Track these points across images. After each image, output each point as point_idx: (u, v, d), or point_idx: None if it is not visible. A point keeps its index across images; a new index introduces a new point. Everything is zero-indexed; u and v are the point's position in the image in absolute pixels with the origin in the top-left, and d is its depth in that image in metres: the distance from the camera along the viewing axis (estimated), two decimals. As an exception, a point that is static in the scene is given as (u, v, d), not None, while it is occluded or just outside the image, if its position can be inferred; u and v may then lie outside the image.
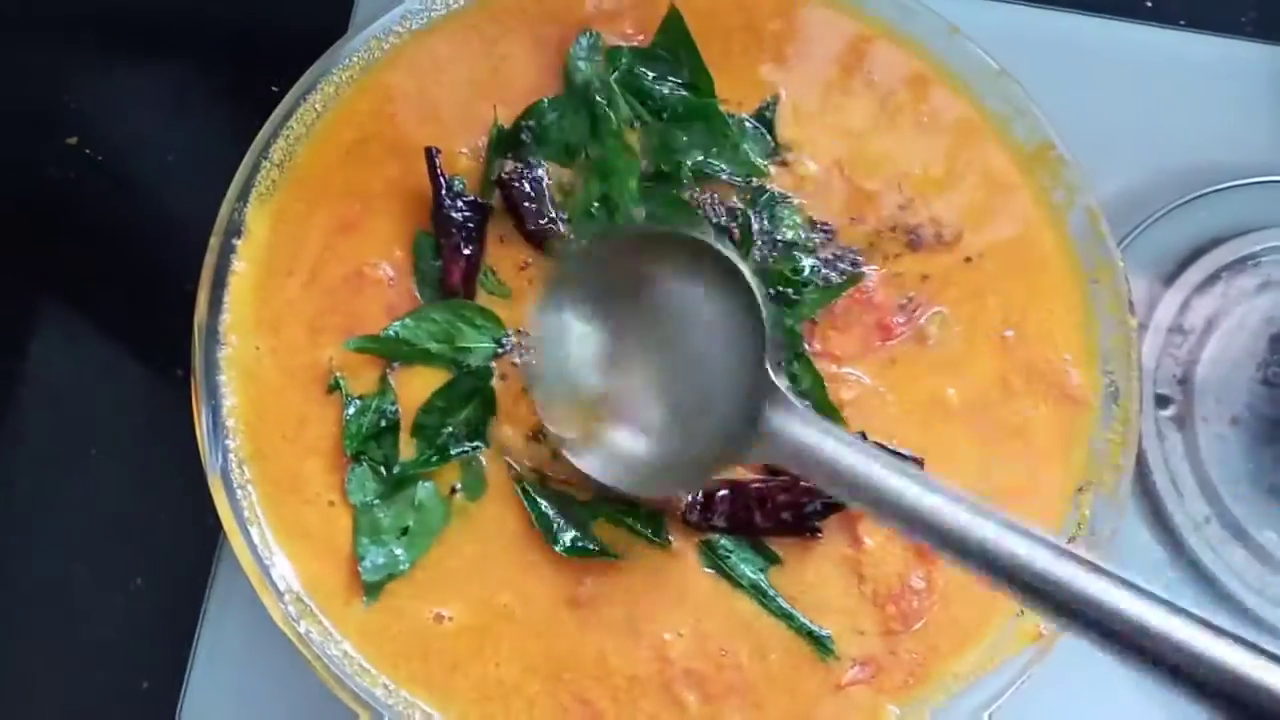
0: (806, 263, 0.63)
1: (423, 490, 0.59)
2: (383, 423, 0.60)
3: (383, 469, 0.59)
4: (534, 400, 0.59)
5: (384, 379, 0.61)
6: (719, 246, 0.52)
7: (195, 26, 0.84)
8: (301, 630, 0.56)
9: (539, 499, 0.59)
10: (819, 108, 0.67)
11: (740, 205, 0.64)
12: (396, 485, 0.59)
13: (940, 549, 0.43)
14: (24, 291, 0.79)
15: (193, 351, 0.60)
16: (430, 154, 0.62)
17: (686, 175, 0.64)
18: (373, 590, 0.58)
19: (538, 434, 0.60)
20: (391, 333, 0.61)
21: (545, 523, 0.58)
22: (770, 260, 0.63)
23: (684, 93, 0.65)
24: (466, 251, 0.62)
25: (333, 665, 0.56)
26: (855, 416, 0.61)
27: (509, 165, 0.63)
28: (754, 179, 0.65)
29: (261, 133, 0.63)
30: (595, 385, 0.56)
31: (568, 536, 0.58)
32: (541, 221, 0.63)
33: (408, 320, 0.61)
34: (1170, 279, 0.77)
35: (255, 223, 0.62)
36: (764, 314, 0.50)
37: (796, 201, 0.65)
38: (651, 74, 0.66)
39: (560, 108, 0.64)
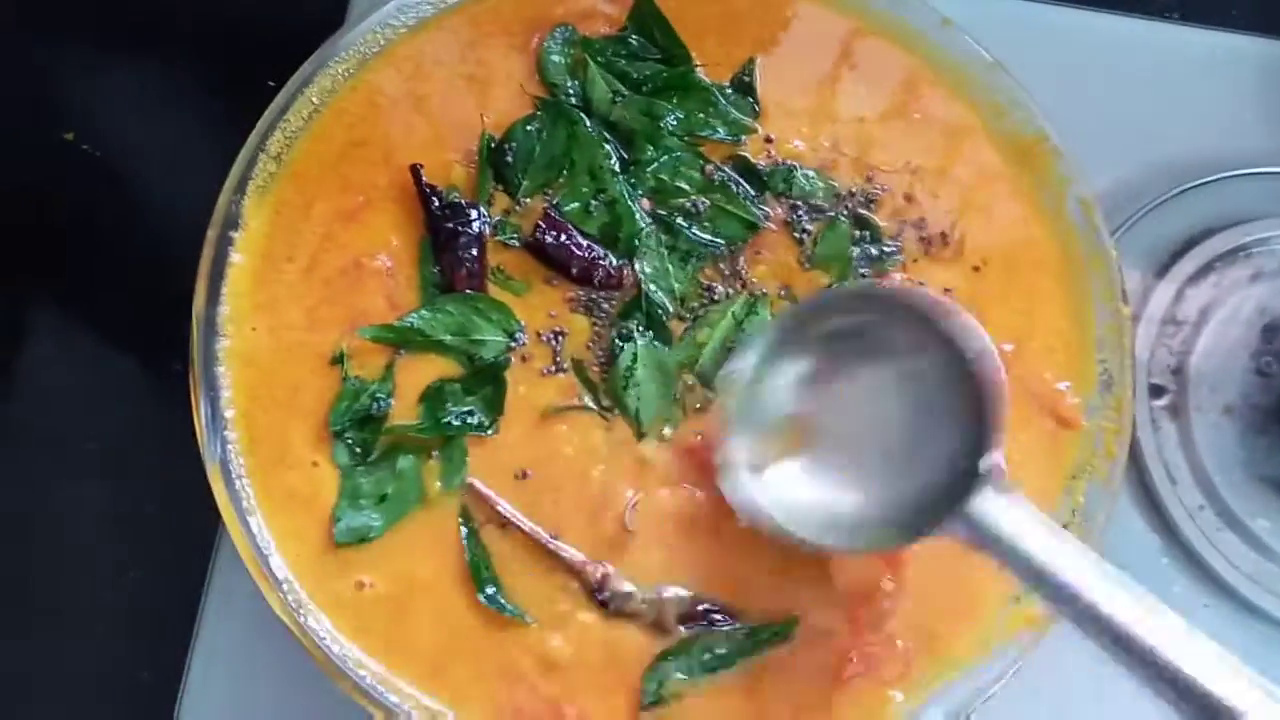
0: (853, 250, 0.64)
1: (404, 460, 0.59)
2: (374, 409, 0.60)
3: (359, 451, 0.59)
4: (721, 435, 0.57)
5: (389, 366, 0.61)
6: (954, 315, 0.51)
7: (191, 21, 0.85)
8: (302, 620, 0.56)
9: (478, 547, 0.59)
10: (806, 100, 0.67)
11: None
12: (384, 452, 0.59)
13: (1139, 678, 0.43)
14: (20, 286, 0.79)
15: (191, 343, 0.60)
16: (415, 171, 0.63)
17: (675, 145, 0.65)
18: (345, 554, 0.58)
19: (522, 475, 0.60)
20: (407, 323, 0.61)
21: (476, 570, 0.58)
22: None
23: (662, 67, 0.66)
24: (468, 260, 0.62)
25: (332, 656, 0.56)
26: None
27: (538, 224, 0.63)
28: (744, 137, 0.65)
29: (258, 125, 0.63)
30: (793, 419, 0.55)
31: (490, 590, 0.58)
32: (583, 257, 0.63)
33: (423, 311, 0.61)
34: (1163, 270, 0.78)
35: (252, 215, 0.62)
36: (991, 395, 0.48)
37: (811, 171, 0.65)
38: (627, 56, 0.66)
39: (537, 123, 0.64)
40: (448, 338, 0.61)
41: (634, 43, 0.67)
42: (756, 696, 0.58)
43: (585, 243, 0.63)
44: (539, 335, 0.62)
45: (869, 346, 0.54)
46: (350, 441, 0.60)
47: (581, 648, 0.58)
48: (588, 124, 0.65)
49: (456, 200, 0.63)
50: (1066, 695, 0.69)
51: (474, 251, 0.62)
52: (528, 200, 0.64)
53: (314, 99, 0.64)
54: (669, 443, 0.61)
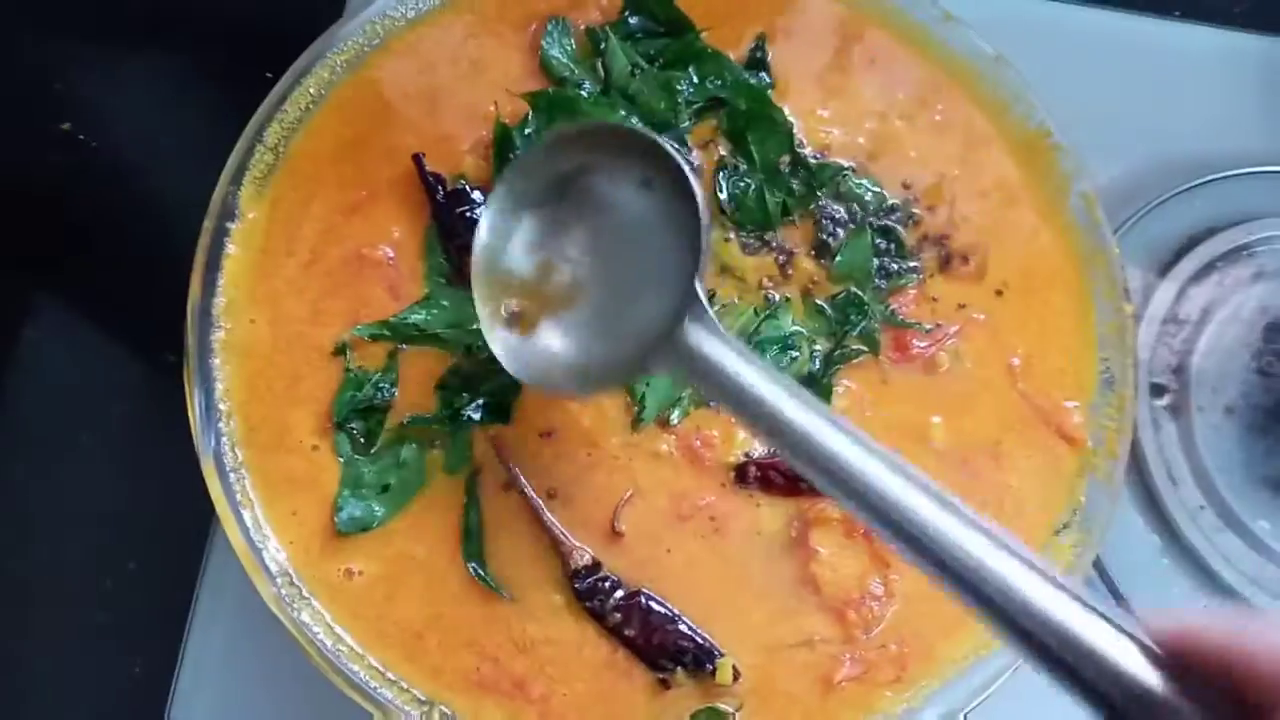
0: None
1: (408, 450, 0.59)
2: (376, 399, 0.60)
3: (362, 441, 0.60)
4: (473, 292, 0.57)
5: (392, 356, 0.61)
6: (666, 146, 0.51)
7: (190, 12, 0.84)
8: (295, 614, 0.56)
9: (478, 509, 0.59)
10: (810, 97, 0.67)
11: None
12: (387, 442, 0.60)
13: (832, 493, 0.42)
14: (16, 277, 0.79)
15: (186, 334, 0.59)
16: (418, 160, 0.63)
17: (687, 116, 0.65)
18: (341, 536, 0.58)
19: (548, 433, 0.60)
20: (403, 318, 0.61)
21: (468, 535, 0.59)
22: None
23: (667, 40, 0.66)
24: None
25: (325, 650, 0.56)
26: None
27: None
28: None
29: (255, 116, 0.62)
30: (530, 275, 0.55)
31: (476, 561, 0.58)
32: None
33: (417, 306, 0.61)
34: (1165, 269, 0.77)
35: (250, 206, 0.62)
36: (702, 224, 0.48)
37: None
38: (631, 37, 0.66)
39: (534, 122, 0.64)
40: (444, 331, 0.61)
41: (633, 23, 0.67)
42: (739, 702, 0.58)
43: None
44: None
45: (591, 190, 0.54)
46: (354, 431, 0.60)
47: (552, 634, 0.58)
48: (594, 94, 0.65)
49: (461, 187, 0.63)
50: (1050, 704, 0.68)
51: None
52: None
53: (312, 90, 0.64)
54: (675, 431, 0.61)
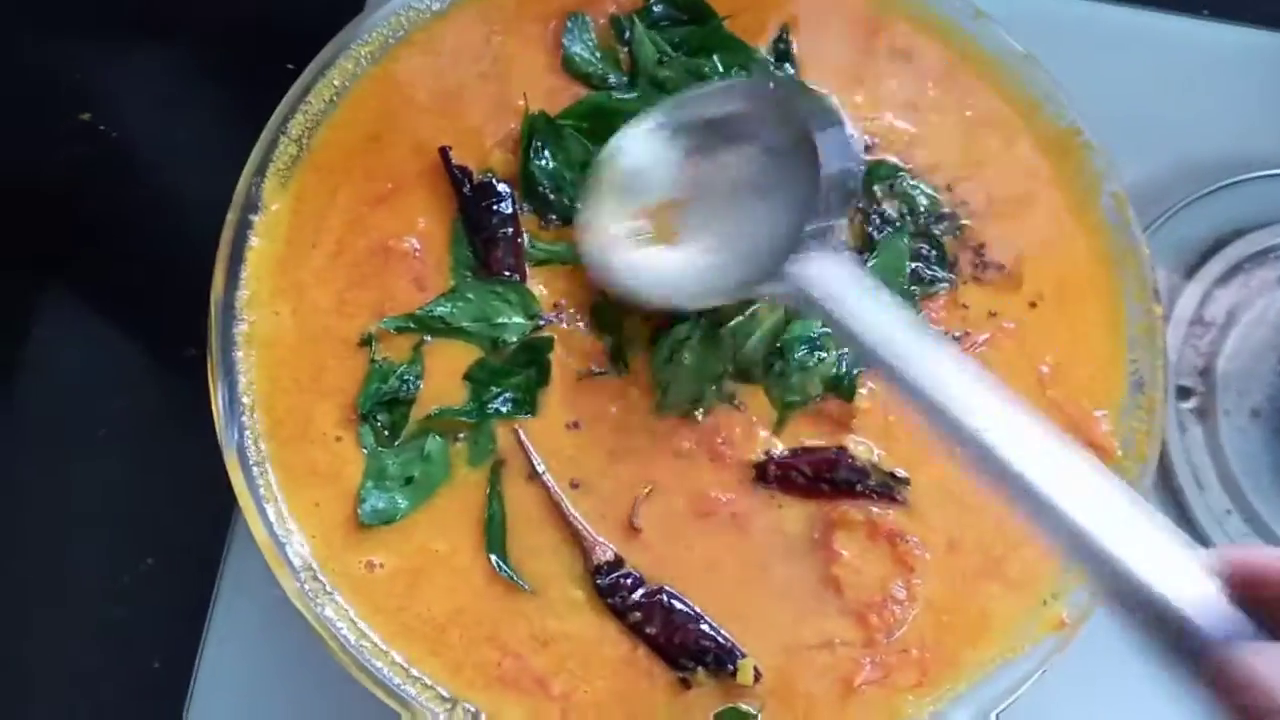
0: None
1: (432, 443, 0.59)
2: (402, 391, 0.60)
3: (386, 433, 0.59)
4: (586, 200, 0.60)
5: (417, 349, 0.60)
6: (809, 104, 0.54)
7: (211, 5, 0.84)
8: (317, 609, 0.56)
9: (500, 502, 0.59)
10: (842, 87, 0.66)
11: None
12: (411, 434, 0.59)
13: (940, 432, 0.42)
14: (36, 268, 0.79)
15: (209, 327, 0.59)
16: (444, 154, 0.62)
17: None
18: (355, 541, 0.58)
19: (575, 424, 0.60)
20: (429, 311, 0.61)
21: (492, 527, 0.58)
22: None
23: (692, 27, 0.66)
24: (503, 240, 0.62)
25: (348, 645, 0.55)
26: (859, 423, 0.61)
27: None
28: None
29: (279, 108, 0.62)
30: (655, 196, 0.58)
31: (498, 553, 0.58)
32: None
33: (443, 299, 0.61)
34: (1192, 270, 0.77)
35: (273, 198, 0.61)
36: (822, 163, 0.50)
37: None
38: (654, 26, 0.66)
39: (541, 146, 0.63)
40: (469, 324, 0.61)
41: (657, 11, 0.66)
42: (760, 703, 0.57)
43: None
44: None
45: (737, 133, 0.56)
46: (379, 423, 0.59)
47: (572, 630, 0.58)
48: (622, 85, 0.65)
49: (488, 180, 0.63)
50: (1089, 699, 0.68)
51: (508, 231, 0.62)
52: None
53: (336, 81, 0.63)
54: (698, 428, 0.60)
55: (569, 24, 0.66)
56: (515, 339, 0.61)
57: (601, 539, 0.58)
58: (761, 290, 0.52)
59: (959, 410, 0.42)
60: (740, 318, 0.61)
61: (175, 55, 0.83)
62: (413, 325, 0.60)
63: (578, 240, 0.60)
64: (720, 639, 0.57)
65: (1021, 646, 0.58)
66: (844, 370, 0.61)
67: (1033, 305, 0.64)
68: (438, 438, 0.59)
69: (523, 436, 0.60)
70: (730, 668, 0.57)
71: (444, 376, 0.60)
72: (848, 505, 0.59)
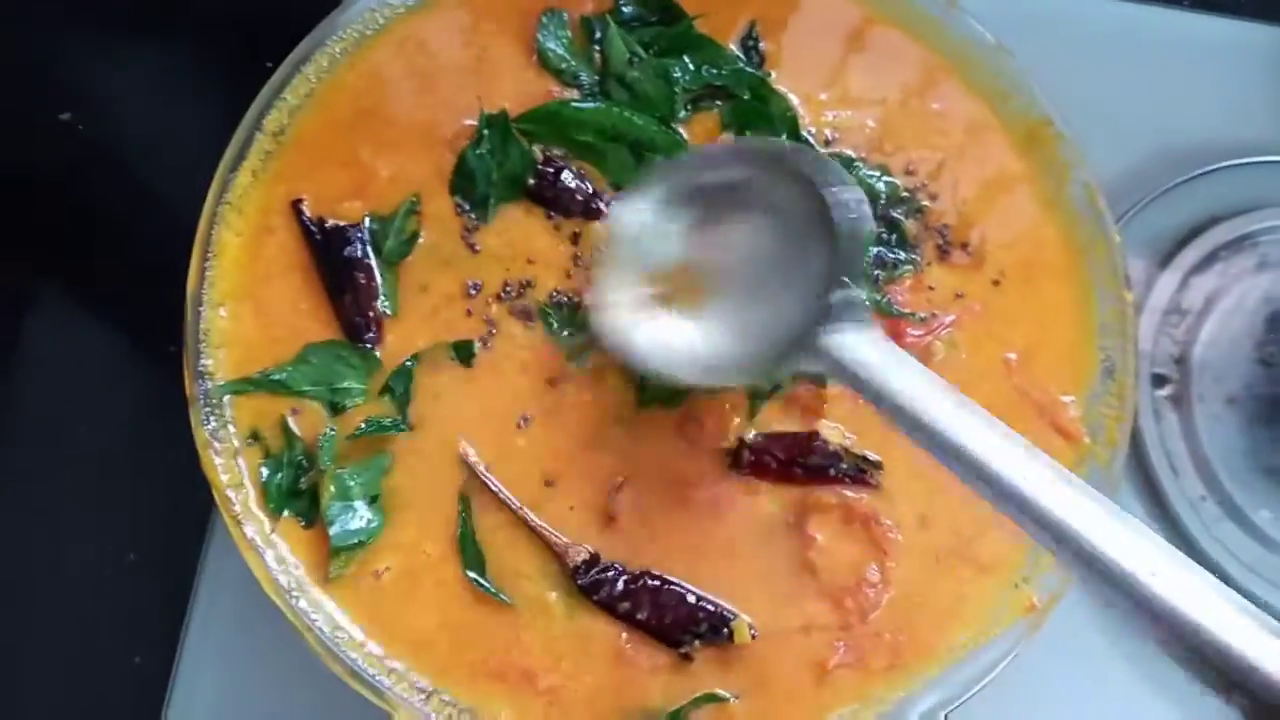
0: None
1: (388, 459, 0.59)
2: (299, 480, 0.59)
3: (303, 522, 0.59)
4: (596, 279, 0.59)
5: (285, 428, 0.60)
6: (810, 162, 0.52)
7: (190, 2, 0.84)
8: (294, 602, 0.56)
9: (470, 522, 0.59)
10: (807, 84, 0.66)
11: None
12: (365, 451, 0.59)
13: (990, 498, 0.42)
14: (15, 267, 0.79)
15: (184, 323, 0.59)
16: (296, 207, 0.62)
17: (684, 105, 0.65)
18: (342, 556, 0.58)
19: (526, 420, 0.60)
20: (268, 375, 0.60)
21: (464, 544, 0.58)
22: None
23: (662, 28, 0.66)
24: (349, 287, 0.61)
25: (324, 638, 0.56)
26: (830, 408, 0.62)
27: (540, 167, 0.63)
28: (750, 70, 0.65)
29: (255, 103, 0.62)
30: (665, 266, 0.56)
31: (475, 569, 0.58)
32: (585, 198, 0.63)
33: (284, 366, 0.60)
34: (1168, 259, 0.77)
35: (247, 194, 0.62)
36: (840, 230, 0.49)
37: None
38: (625, 25, 0.66)
39: (486, 144, 0.63)
40: (309, 388, 0.60)
41: (627, 11, 0.66)
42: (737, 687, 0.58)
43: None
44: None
45: (743, 199, 0.55)
46: (296, 514, 0.59)
47: (557, 633, 0.58)
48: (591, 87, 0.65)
49: (337, 225, 0.62)
50: (1043, 698, 0.68)
51: (358, 276, 0.61)
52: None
53: (311, 77, 0.63)
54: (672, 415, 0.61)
55: (544, 20, 0.66)
56: (355, 404, 0.60)
57: (573, 542, 0.58)
58: (792, 366, 0.50)
59: (1014, 480, 0.41)
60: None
61: (155, 54, 0.84)
62: (250, 388, 0.60)
63: (593, 319, 0.58)
64: (710, 606, 0.58)
65: (993, 631, 0.58)
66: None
67: (996, 283, 0.64)
68: (386, 454, 0.59)
69: (473, 458, 0.59)
70: (725, 631, 0.57)
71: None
72: (821, 490, 0.60)
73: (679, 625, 0.58)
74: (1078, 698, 0.69)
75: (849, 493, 0.60)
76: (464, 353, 0.61)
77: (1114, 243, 0.63)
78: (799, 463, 0.60)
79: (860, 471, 0.60)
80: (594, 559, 0.58)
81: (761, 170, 0.54)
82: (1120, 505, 0.63)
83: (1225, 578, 0.70)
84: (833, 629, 0.58)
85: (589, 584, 0.58)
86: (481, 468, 0.59)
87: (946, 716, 0.57)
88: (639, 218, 0.57)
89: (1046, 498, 0.40)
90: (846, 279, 0.48)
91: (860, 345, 0.47)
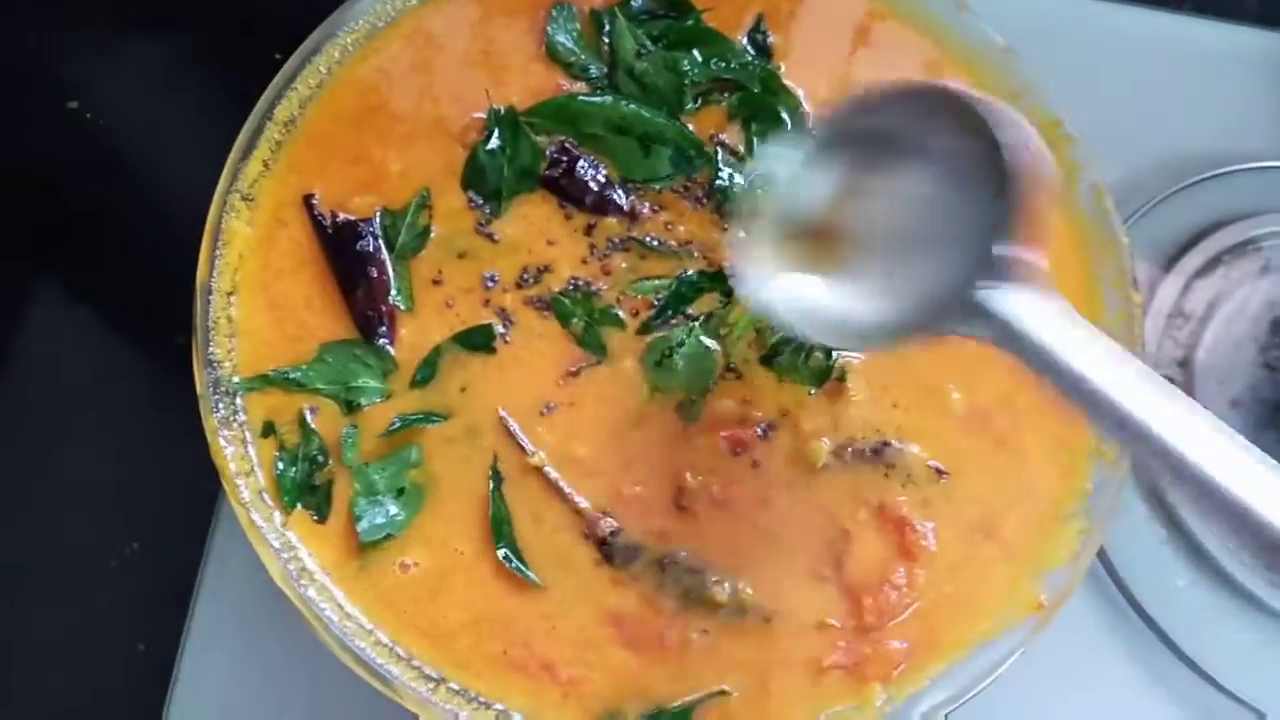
0: None
1: (416, 452, 0.59)
2: (313, 475, 0.59)
3: (316, 517, 0.58)
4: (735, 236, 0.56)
5: (303, 422, 0.59)
6: (974, 97, 0.45)
7: (197, -7, 0.84)
8: (302, 590, 0.56)
9: (501, 503, 0.59)
10: (814, 80, 0.66)
11: None
12: (391, 446, 0.59)
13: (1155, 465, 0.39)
14: (22, 256, 0.79)
15: (194, 312, 0.59)
16: (308, 201, 0.62)
17: (692, 98, 0.65)
18: (369, 550, 0.58)
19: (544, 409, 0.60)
20: (284, 374, 0.60)
21: (497, 525, 0.58)
22: None
23: (671, 22, 0.66)
24: (363, 280, 0.61)
25: (332, 626, 0.56)
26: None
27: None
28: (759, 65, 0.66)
29: (266, 93, 0.62)
30: (812, 220, 0.52)
31: (507, 548, 0.58)
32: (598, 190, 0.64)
33: (300, 366, 0.60)
34: (1172, 262, 0.77)
35: (257, 184, 0.62)
36: (1012, 179, 0.42)
37: None
38: (633, 19, 0.66)
39: (497, 139, 0.63)
40: (324, 386, 0.60)
41: (636, 5, 0.66)
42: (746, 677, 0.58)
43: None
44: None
45: (901, 147, 0.50)
46: (309, 509, 0.58)
47: (584, 617, 0.58)
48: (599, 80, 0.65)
49: (349, 219, 0.62)
50: (1045, 699, 0.69)
51: (370, 271, 0.61)
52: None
53: (322, 68, 0.63)
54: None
55: (554, 12, 0.66)
56: (372, 402, 0.60)
57: (601, 515, 0.58)
58: (946, 327, 0.44)
59: (1210, 468, 0.37)
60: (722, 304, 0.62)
61: (162, 44, 0.84)
62: (266, 386, 0.59)
63: (731, 267, 0.56)
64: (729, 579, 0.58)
65: (998, 630, 0.58)
66: (830, 363, 0.62)
67: None
68: (414, 446, 0.59)
69: (512, 425, 0.60)
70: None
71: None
72: (870, 487, 0.60)
73: (699, 601, 0.58)
74: (1079, 699, 0.69)
75: (896, 494, 0.60)
76: (484, 338, 0.61)
77: (1122, 244, 0.63)
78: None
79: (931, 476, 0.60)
80: (617, 531, 0.58)
81: (921, 112, 0.48)
82: (1123, 502, 0.64)
83: (1228, 578, 0.70)
84: (847, 629, 0.58)
85: (615, 555, 0.58)
86: (525, 440, 0.59)
87: (947, 717, 0.57)
88: (785, 169, 0.53)
89: (1251, 487, 0.36)
90: (1017, 230, 0.42)
91: (1027, 305, 0.41)
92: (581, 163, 0.63)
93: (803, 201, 0.53)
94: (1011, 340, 0.41)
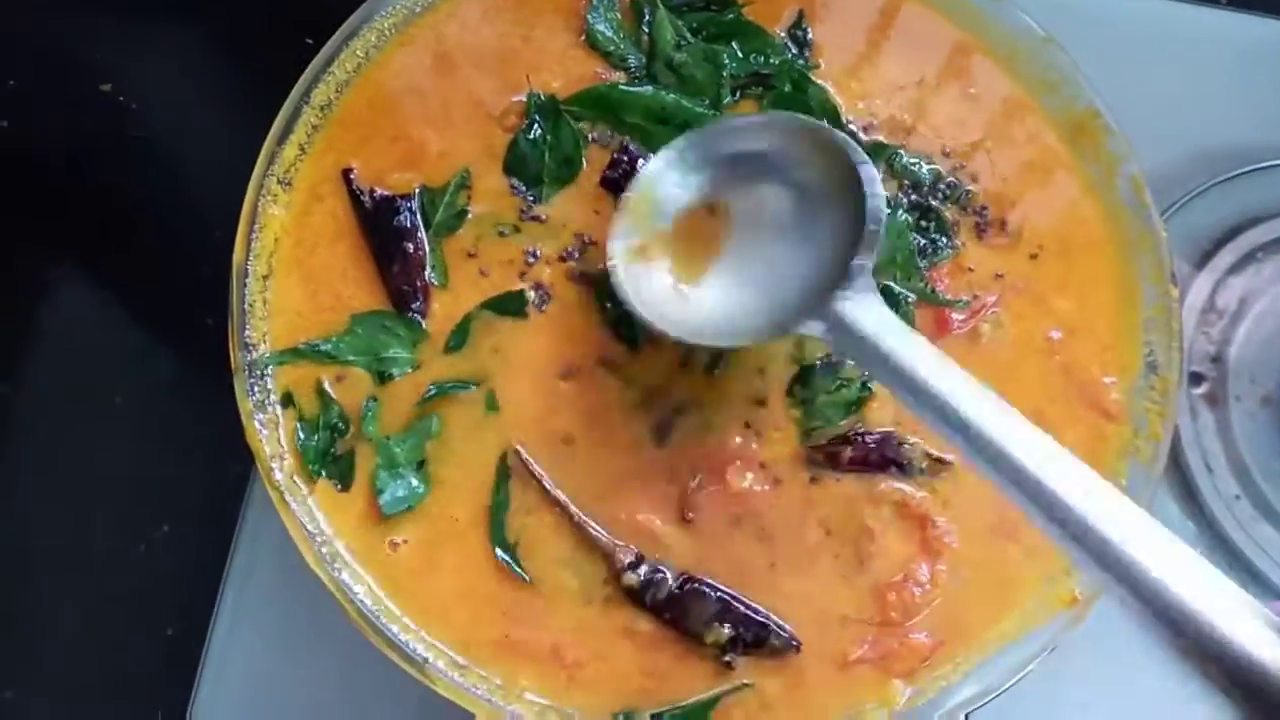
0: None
1: (436, 422, 0.59)
2: (333, 444, 0.59)
3: (339, 485, 0.59)
4: (611, 227, 0.58)
5: (321, 391, 0.60)
6: (843, 138, 0.53)
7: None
8: (335, 574, 0.56)
9: (503, 498, 0.59)
10: (851, 72, 0.66)
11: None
12: (413, 417, 0.59)
13: (977, 462, 0.43)
14: (56, 238, 0.79)
15: (230, 296, 0.59)
16: (346, 176, 0.62)
17: (730, 91, 0.65)
18: (390, 522, 0.58)
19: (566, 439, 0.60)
20: (314, 346, 0.60)
21: (494, 517, 0.59)
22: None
23: (712, 14, 0.66)
24: (399, 255, 0.61)
25: (365, 610, 0.56)
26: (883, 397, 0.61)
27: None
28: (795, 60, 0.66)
29: (303, 77, 0.62)
30: (679, 219, 0.57)
31: (504, 546, 0.58)
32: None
33: (331, 338, 0.60)
34: (1206, 257, 0.77)
35: (293, 167, 0.62)
36: (868, 206, 0.50)
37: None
38: (674, 9, 0.66)
39: (538, 128, 0.63)
40: (355, 357, 0.60)
41: None
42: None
43: None
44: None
45: (765, 167, 0.56)
46: (332, 477, 0.59)
47: (587, 622, 0.58)
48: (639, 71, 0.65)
49: (386, 194, 0.62)
50: (1072, 700, 0.68)
51: (407, 246, 0.61)
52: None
53: (360, 52, 0.63)
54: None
55: (594, 1, 0.66)
56: (403, 372, 0.60)
57: (622, 546, 0.58)
58: (799, 328, 0.50)
59: (1016, 452, 0.41)
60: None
61: (195, 28, 0.84)
62: (296, 359, 0.60)
63: (609, 269, 0.57)
64: (758, 617, 0.58)
65: (1030, 625, 0.58)
66: (863, 394, 0.61)
67: (1033, 257, 0.64)
68: (434, 416, 0.59)
69: (525, 457, 0.59)
70: (770, 642, 0.57)
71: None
72: (886, 484, 0.60)
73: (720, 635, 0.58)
74: (1105, 700, 0.69)
75: (913, 490, 0.60)
76: (516, 305, 0.61)
77: (1160, 237, 0.62)
78: (870, 457, 0.60)
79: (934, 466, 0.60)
80: (639, 559, 0.58)
81: (788, 141, 0.55)
82: (1156, 502, 0.64)
83: (1258, 575, 0.70)
84: (874, 626, 0.58)
85: (638, 586, 0.57)
86: (544, 476, 0.59)
87: (967, 717, 0.57)
88: (660, 170, 0.58)
89: (1055, 479, 0.40)
90: (866, 251, 0.50)
91: (873, 312, 0.48)
92: (641, 163, 0.62)
93: (672, 201, 0.58)
94: (848, 339, 0.48)
